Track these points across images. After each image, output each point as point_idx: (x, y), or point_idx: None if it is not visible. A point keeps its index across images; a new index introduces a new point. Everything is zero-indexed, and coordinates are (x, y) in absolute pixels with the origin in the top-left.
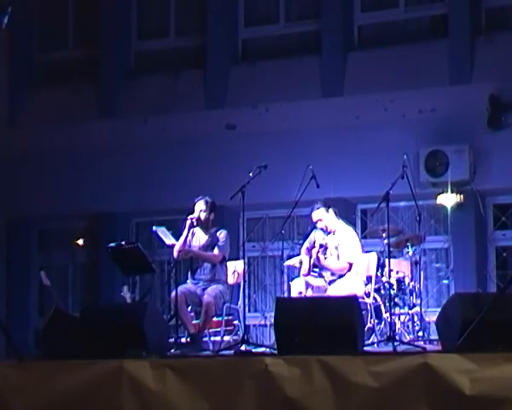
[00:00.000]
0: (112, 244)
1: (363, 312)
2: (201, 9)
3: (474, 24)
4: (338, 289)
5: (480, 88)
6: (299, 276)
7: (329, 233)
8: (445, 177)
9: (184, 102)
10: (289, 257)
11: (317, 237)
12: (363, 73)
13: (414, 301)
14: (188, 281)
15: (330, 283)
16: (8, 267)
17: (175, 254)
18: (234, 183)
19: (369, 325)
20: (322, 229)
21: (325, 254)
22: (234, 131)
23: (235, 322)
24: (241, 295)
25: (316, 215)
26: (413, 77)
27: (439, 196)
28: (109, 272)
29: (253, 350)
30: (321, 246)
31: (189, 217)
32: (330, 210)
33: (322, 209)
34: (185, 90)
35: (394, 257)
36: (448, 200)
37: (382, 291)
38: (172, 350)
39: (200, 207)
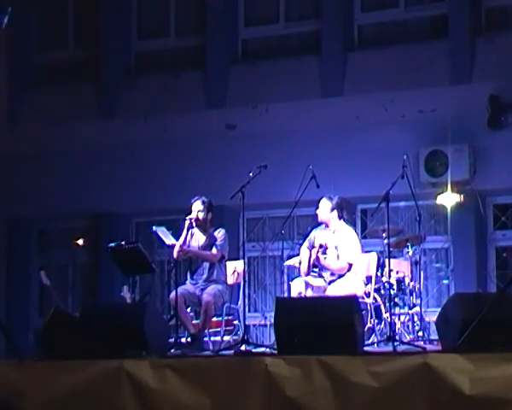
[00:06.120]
0: (112, 244)
1: (363, 312)
2: (201, 9)
3: (474, 24)
4: (338, 289)
5: (480, 88)
6: (299, 276)
7: (325, 226)
8: (445, 177)
9: (184, 102)
10: (289, 257)
11: (316, 236)
12: (363, 73)
13: (414, 301)
14: (187, 282)
15: (330, 283)
16: (8, 267)
17: (174, 254)
18: (234, 183)
19: (369, 325)
20: (317, 216)
21: (325, 254)
22: (234, 131)
23: (235, 322)
24: (241, 295)
25: (321, 203)
26: (413, 77)
27: (439, 196)
28: (109, 272)
29: (253, 350)
30: (321, 246)
31: (187, 217)
32: (335, 211)
33: (328, 204)
34: (185, 90)
35: (394, 257)
36: (448, 200)
37: (382, 291)
38: (172, 350)
39: (197, 207)
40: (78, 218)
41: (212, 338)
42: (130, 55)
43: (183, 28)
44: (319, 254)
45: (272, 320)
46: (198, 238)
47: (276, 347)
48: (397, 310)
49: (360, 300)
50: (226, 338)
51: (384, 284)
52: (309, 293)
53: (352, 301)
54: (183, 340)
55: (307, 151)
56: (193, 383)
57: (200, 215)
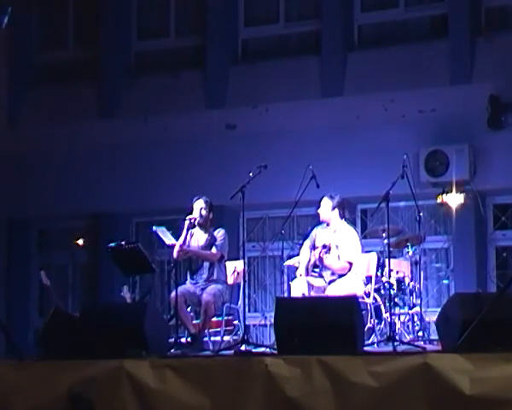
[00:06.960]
0: (112, 244)
1: (363, 312)
2: (201, 9)
3: (474, 24)
4: (338, 289)
5: (480, 88)
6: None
7: (326, 225)
8: (444, 177)
9: (184, 102)
10: (289, 257)
11: (318, 234)
12: (363, 73)
13: (414, 301)
14: (187, 281)
15: (330, 283)
16: (8, 267)
17: (174, 254)
18: (234, 183)
19: (369, 325)
20: (318, 215)
21: (328, 254)
22: (234, 131)
23: (235, 322)
24: (241, 295)
25: (322, 202)
26: (413, 77)
27: (443, 196)
28: (109, 272)
29: (253, 350)
30: (324, 246)
31: (187, 217)
32: (336, 210)
33: (329, 203)
34: (185, 90)
35: (394, 257)
36: (452, 200)
37: (382, 291)
38: (172, 350)
39: (199, 205)
40: (78, 218)
41: (212, 338)
42: (130, 55)
43: (183, 28)
44: (322, 255)
45: (272, 320)
46: (198, 238)
47: (276, 347)
48: (397, 310)
49: (360, 300)
50: (226, 338)
51: (384, 284)
52: (311, 294)
53: (352, 301)
54: (183, 340)
55: (307, 151)
56: (193, 383)
57: (204, 213)
